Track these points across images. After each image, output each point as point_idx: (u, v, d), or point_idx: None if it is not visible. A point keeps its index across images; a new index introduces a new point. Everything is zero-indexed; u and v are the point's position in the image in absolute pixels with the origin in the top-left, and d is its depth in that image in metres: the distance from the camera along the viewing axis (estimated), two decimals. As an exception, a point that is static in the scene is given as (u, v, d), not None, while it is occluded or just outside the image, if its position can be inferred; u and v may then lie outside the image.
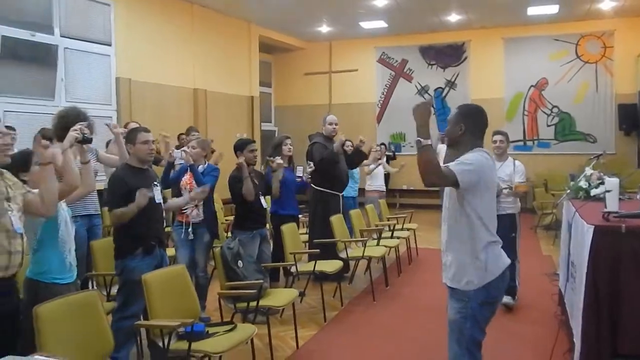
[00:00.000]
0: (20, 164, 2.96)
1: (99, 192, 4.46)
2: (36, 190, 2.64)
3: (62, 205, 3.02)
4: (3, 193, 2.36)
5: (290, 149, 5.41)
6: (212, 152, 4.90)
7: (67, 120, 3.68)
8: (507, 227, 4.65)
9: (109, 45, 8.08)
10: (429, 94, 12.50)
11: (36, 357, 1.87)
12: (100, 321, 2.61)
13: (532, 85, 11.82)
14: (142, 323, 2.87)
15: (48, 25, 7.19)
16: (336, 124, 5.94)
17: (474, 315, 2.48)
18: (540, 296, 5.18)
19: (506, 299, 4.77)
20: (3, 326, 2.27)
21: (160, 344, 2.79)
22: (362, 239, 5.75)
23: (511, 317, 4.67)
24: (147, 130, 3.70)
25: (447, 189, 2.58)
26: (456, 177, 2.38)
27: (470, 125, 2.55)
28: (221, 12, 10.25)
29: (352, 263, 5.92)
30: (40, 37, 7.04)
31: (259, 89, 11.82)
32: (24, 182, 2.97)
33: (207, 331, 3.06)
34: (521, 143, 11.94)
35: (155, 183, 3.70)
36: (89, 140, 3.33)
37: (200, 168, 4.53)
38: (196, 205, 4.43)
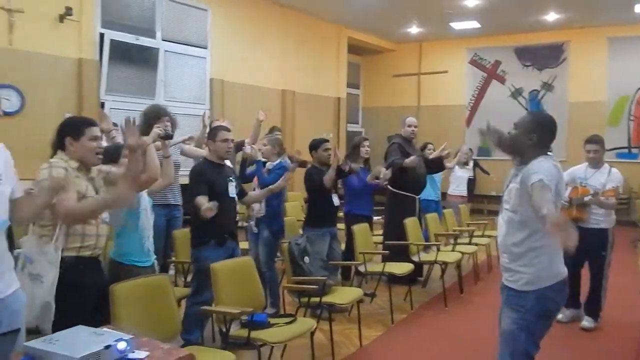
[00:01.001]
0: (113, 157, 3.29)
1: (183, 185, 4.78)
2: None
3: (144, 194, 3.31)
4: (93, 186, 2.63)
5: (367, 150, 5.46)
6: (284, 150, 5.04)
7: (150, 117, 4.01)
8: (596, 244, 4.38)
9: (205, 48, 8.58)
10: (523, 97, 11.96)
11: (105, 328, 2.09)
12: (169, 303, 2.83)
13: (639, 89, 10.94)
14: (207, 308, 3.06)
15: (151, 29, 7.78)
16: (415, 126, 5.89)
17: (529, 327, 2.40)
18: (628, 315, 4.83)
19: (586, 321, 4.50)
20: (89, 298, 2.54)
21: (224, 329, 2.97)
22: (435, 243, 5.66)
23: (592, 336, 4.40)
24: (227, 129, 3.94)
25: (511, 188, 2.50)
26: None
27: (542, 137, 2.47)
28: (311, 15, 10.50)
29: (426, 268, 5.86)
30: (144, 41, 7.63)
31: (346, 90, 11.96)
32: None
33: (269, 322, 3.21)
34: (625, 150, 11.07)
35: (231, 178, 3.92)
36: (170, 136, 3.62)
37: (270, 165, 4.71)
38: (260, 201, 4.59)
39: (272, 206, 4.66)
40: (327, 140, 4.97)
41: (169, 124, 4.12)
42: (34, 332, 2.34)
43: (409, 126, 5.86)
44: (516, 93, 12.08)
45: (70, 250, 2.55)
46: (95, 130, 2.68)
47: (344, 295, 4.01)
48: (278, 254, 4.67)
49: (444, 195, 7.84)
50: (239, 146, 5.70)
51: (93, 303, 2.61)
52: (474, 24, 11.00)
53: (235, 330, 3.05)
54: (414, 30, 11.75)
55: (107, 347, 1.82)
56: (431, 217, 6.18)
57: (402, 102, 12.96)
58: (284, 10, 9.93)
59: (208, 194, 3.67)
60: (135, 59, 7.59)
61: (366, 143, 5.47)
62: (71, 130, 2.64)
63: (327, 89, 11.27)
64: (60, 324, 2.29)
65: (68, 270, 2.48)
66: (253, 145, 4.81)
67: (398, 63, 13.20)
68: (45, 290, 2.40)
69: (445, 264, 5.40)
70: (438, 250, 5.50)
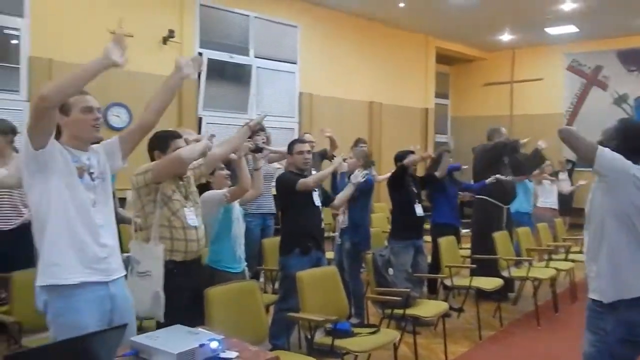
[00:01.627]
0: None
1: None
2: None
3: (236, 204, 3.52)
4: (182, 193, 2.84)
5: (450, 161, 5.39)
6: (371, 162, 5.11)
7: None
8: None
9: (295, 63, 8.89)
10: (628, 104, 11.17)
11: (200, 329, 2.26)
12: (258, 308, 2.98)
13: None
14: (293, 315, 3.18)
15: (244, 47, 8.20)
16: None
17: (611, 352, 2.27)
18: None
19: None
20: (182, 299, 2.74)
21: (309, 336, 3.07)
22: (527, 258, 5.44)
23: None
24: (302, 142, 4.11)
25: (596, 194, 2.41)
26: (595, 153, 2.29)
27: (625, 144, 2.35)
28: (398, 27, 10.53)
29: (517, 284, 5.63)
30: (238, 59, 8.07)
31: (434, 100, 11.82)
32: (209, 184, 3.54)
33: (353, 331, 3.27)
34: None
35: (315, 189, 4.06)
36: (260, 150, 3.81)
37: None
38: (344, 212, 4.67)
39: (354, 218, 4.72)
40: (412, 152, 4.97)
41: (264, 137, 4.36)
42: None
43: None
44: (620, 100, 11.29)
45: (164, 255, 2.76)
46: (180, 142, 2.86)
47: (428, 308, 3.98)
48: (363, 265, 4.71)
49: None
50: (323, 155, 5.87)
51: (187, 304, 2.80)
52: (571, 29, 10.46)
53: (319, 337, 3.14)
54: (506, 37, 11.39)
55: (201, 345, 1.97)
56: (523, 230, 5.94)
57: (493, 112, 12.56)
58: (371, 23, 10.04)
59: (293, 203, 3.83)
60: (230, 76, 8.04)
61: (448, 154, 5.41)
62: (159, 144, 2.84)
63: (414, 100, 11.21)
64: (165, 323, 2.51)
65: (165, 273, 2.70)
66: (336, 157, 4.93)
67: (489, 71, 12.84)
68: (154, 281, 2.62)
69: (538, 281, 5.17)
70: (530, 265, 5.27)
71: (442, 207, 5.42)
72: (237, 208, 3.53)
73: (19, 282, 3.09)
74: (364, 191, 4.68)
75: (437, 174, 5.16)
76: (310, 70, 9.03)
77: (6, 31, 6.00)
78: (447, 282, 4.78)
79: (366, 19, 9.92)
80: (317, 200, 4.01)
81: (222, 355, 2.03)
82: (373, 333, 3.28)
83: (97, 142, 2.38)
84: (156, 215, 2.71)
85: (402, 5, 9.16)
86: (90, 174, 2.25)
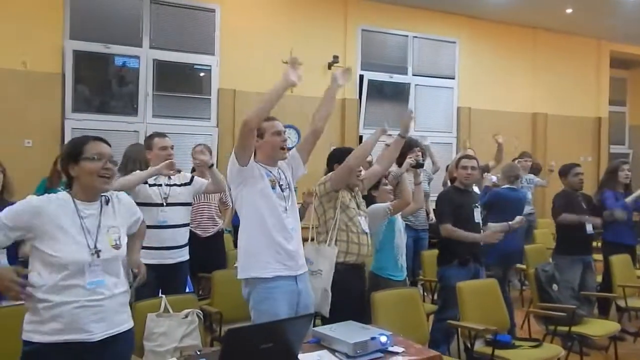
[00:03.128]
0: (374, 185, 3.87)
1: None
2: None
3: (398, 217, 3.80)
4: (355, 202, 3.21)
5: (627, 175, 5.04)
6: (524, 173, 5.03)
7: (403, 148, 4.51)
8: None
9: (453, 78, 8.95)
10: None
11: (369, 325, 2.57)
12: (419, 314, 3.22)
13: None
14: (453, 323, 3.33)
15: (403, 67, 8.51)
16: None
17: None
18: None
19: None
20: (349, 300, 3.07)
21: (468, 344, 3.21)
22: None
23: None
24: (469, 157, 4.21)
25: None
26: None
27: None
28: (566, 33, 9.97)
29: None
30: (397, 78, 8.40)
31: (608, 108, 10.90)
32: (373, 197, 3.87)
33: (514, 343, 3.32)
34: None
35: (476, 205, 4.15)
36: (421, 165, 4.05)
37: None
38: None
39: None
40: (577, 165, 4.79)
41: (420, 153, 4.57)
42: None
43: None
44: None
45: (338, 256, 3.12)
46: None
47: (597, 327, 3.82)
48: (516, 281, 4.63)
49: None
50: (485, 170, 5.87)
51: (351, 304, 3.11)
52: None
53: (479, 347, 3.25)
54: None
55: (373, 338, 2.28)
56: None
57: (683, 118, 11.18)
58: (534, 32, 9.68)
59: (454, 219, 3.98)
60: (389, 95, 8.39)
61: (625, 167, 5.05)
62: (338, 157, 3.31)
63: (585, 109, 10.46)
64: (330, 318, 2.87)
65: (336, 273, 3.06)
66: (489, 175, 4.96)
67: (676, 73, 11.46)
68: (324, 280, 3.00)
69: None
70: None
71: (617, 225, 5.07)
72: (399, 220, 3.81)
73: (219, 280, 3.73)
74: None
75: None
76: (469, 84, 9.01)
77: (201, 68, 7.06)
78: (621, 304, 4.50)
79: (529, 27, 9.59)
80: (478, 217, 4.10)
81: (390, 348, 2.31)
82: (535, 347, 3.29)
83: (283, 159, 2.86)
84: (336, 219, 3.10)
85: (569, 11, 8.71)
86: (280, 185, 2.72)
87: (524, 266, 5.35)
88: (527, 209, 5.93)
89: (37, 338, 1.94)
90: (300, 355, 2.19)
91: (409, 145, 4.59)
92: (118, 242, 2.08)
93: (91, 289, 1.96)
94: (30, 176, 4.52)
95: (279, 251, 2.62)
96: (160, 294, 3.20)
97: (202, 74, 7.06)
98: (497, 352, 3.12)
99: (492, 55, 9.30)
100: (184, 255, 3.62)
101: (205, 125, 6.97)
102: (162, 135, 3.78)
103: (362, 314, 3.02)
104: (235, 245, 2.94)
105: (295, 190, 2.91)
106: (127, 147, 4.09)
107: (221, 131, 6.98)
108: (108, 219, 2.10)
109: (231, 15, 7.09)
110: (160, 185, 3.54)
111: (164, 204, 3.50)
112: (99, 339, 1.98)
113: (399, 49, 8.51)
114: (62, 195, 2.06)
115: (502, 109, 9.32)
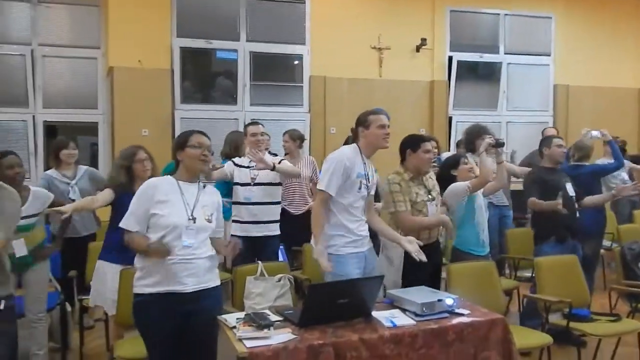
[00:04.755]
0: (452, 165, 4.04)
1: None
2: None
3: (479, 194, 3.93)
4: (425, 188, 3.43)
5: None
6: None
7: (473, 135, 4.64)
8: None
9: (548, 55, 8.65)
10: None
11: (441, 292, 2.80)
12: (494, 287, 3.38)
13: None
14: (530, 295, 3.46)
15: (494, 46, 8.38)
16: None
17: None
18: None
19: None
20: (424, 272, 3.30)
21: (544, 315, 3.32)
22: None
23: None
24: (560, 138, 4.28)
25: None
26: None
27: None
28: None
29: None
30: (487, 57, 8.30)
31: None
32: (454, 176, 4.02)
33: (591, 317, 3.38)
34: None
35: (567, 180, 4.19)
36: (502, 144, 4.13)
37: None
38: None
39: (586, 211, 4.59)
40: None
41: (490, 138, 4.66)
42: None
43: None
44: None
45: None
46: (428, 145, 3.45)
47: (688, 306, 3.74)
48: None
49: None
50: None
51: (426, 279, 3.29)
52: None
53: (555, 319, 3.35)
54: None
55: (439, 300, 2.52)
56: None
57: None
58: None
59: (543, 196, 4.05)
60: (479, 75, 8.33)
61: None
62: (410, 144, 3.46)
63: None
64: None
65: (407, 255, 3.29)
66: None
67: None
68: (396, 270, 3.25)
69: None
70: None
71: None
72: (480, 197, 3.94)
73: (308, 253, 4.12)
74: None
75: None
76: (567, 60, 8.65)
77: (294, 57, 7.49)
78: None
79: (635, -3, 8.99)
80: (572, 191, 4.14)
81: (457, 310, 2.54)
82: (614, 321, 3.33)
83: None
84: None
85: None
86: (366, 185, 3.08)
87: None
88: None
89: (143, 290, 2.47)
90: (374, 312, 2.49)
91: (477, 133, 4.68)
92: (210, 218, 2.57)
93: (185, 248, 2.44)
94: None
95: (351, 234, 3.04)
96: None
97: (294, 63, 7.49)
98: (573, 324, 3.20)
99: (592, 27, 8.83)
100: (272, 230, 4.11)
101: (298, 112, 7.39)
102: (254, 123, 4.30)
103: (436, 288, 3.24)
104: None
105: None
106: (227, 133, 4.71)
107: (313, 116, 7.37)
108: (204, 199, 2.60)
109: (320, 5, 7.43)
110: (250, 167, 4.02)
111: (252, 183, 3.99)
112: (191, 290, 2.46)
113: (489, 28, 8.38)
114: (169, 177, 2.62)
115: (604, 85, 8.86)
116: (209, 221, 2.55)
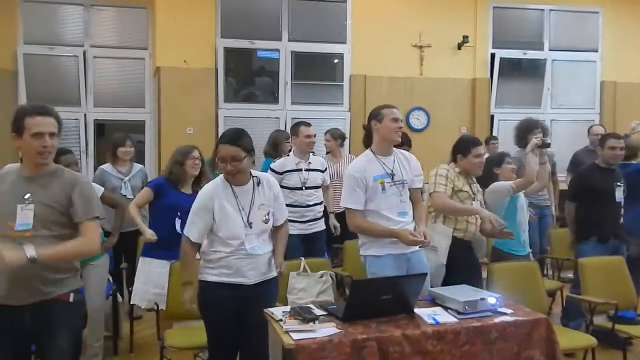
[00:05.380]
0: (496, 162, 4.03)
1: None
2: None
3: (521, 194, 3.91)
4: (469, 187, 3.43)
5: None
6: None
7: (524, 130, 4.56)
8: None
9: (595, 51, 8.42)
10: None
11: (484, 291, 2.82)
12: (537, 287, 3.36)
13: None
14: (573, 295, 3.42)
15: (538, 42, 8.21)
16: None
17: None
18: None
19: None
20: (460, 275, 3.27)
21: (588, 316, 3.28)
22: None
23: None
24: (618, 137, 4.21)
25: None
26: None
27: None
28: None
29: None
30: (531, 54, 8.15)
31: None
32: (496, 175, 4.00)
33: (638, 320, 3.32)
34: None
35: (619, 183, 4.12)
36: (547, 145, 4.09)
37: None
38: None
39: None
40: None
41: (540, 134, 4.59)
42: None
43: None
44: None
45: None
46: (480, 149, 3.45)
47: None
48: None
49: None
50: None
51: (463, 279, 3.27)
52: None
53: (600, 321, 3.31)
54: None
55: (482, 299, 2.54)
56: None
57: None
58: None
59: (591, 196, 4.01)
60: (523, 72, 8.19)
61: None
62: (461, 149, 3.49)
63: None
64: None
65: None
66: None
67: None
68: (440, 255, 3.26)
69: None
70: None
71: None
72: (522, 197, 3.92)
73: (349, 249, 4.20)
74: None
75: None
76: (614, 56, 8.39)
77: (334, 56, 7.55)
78: None
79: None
80: (620, 196, 4.07)
81: (499, 309, 2.56)
82: (662, 325, 3.27)
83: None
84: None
85: None
86: (396, 182, 3.09)
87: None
88: None
89: (209, 278, 2.71)
90: (416, 310, 2.53)
91: (528, 127, 4.61)
92: (267, 218, 2.73)
93: (250, 249, 2.68)
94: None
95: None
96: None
97: (335, 62, 7.55)
98: (618, 326, 3.16)
99: (641, 23, 8.55)
100: (320, 225, 4.29)
101: (339, 110, 7.45)
102: (307, 124, 4.37)
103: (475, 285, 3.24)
104: None
105: None
106: (271, 132, 4.82)
107: (353, 115, 7.41)
108: (260, 197, 2.72)
109: (361, 4, 7.46)
110: (301, 170, 4.10)
111: (303, 187, 4.12)
112: (253, 282, 2.71)
113: (533, 24, 8.22)
114: (220, 179, 2.74)
115: (654, 82, 8.56)
116: (266, 222, 2.72)
